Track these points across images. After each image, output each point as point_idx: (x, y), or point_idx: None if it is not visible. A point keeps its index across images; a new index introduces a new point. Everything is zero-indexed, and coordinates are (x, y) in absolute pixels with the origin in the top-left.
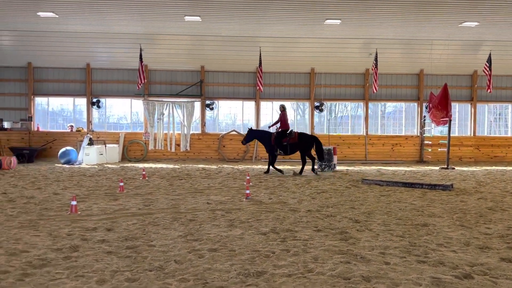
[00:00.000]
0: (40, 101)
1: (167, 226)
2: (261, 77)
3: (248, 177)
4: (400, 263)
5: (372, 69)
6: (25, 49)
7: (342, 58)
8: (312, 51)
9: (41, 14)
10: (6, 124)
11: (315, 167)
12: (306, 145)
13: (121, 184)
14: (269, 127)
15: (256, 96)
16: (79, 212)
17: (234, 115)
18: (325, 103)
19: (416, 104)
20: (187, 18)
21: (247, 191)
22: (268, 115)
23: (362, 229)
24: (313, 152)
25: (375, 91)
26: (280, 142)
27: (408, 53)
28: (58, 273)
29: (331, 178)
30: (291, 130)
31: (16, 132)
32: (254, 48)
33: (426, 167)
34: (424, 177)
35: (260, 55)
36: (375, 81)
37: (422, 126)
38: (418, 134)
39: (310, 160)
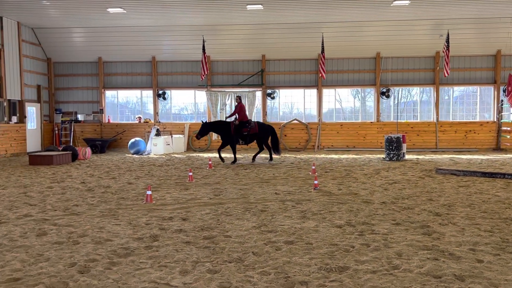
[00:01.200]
0: (109, 94)
1: (239, 216)
2: (323, 63)
3: (313, 167)
4: (494, 261)
5: (443, 52)
6: (95, 45)
7: (410, 41)
8: (377, 35)
9: (111, 10)
10: (80, 117)
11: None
12: (265, 135)
13: (190, 174)
14: (226, 118)
15: (318, 84)
16: (153, 202)
17: (291, 104)
18: (391, 89)
19: (492, 87)
20: (249, 7)
21: (315, 182)
22: (330, 102)
23: (444, 223)
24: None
25: (446, 75)
26: (241, 132)
27: (484, 32)
28: (142, 263)
29: (401, 167)
30: (250, 120)
31: (89, 124)
32: (316, 35)
33: (504, 155)
34: (503, 166)
35: (323, 41)
36: (447, 64)
37: (500, 111)
38: (495, 120)
39: (260, 150)
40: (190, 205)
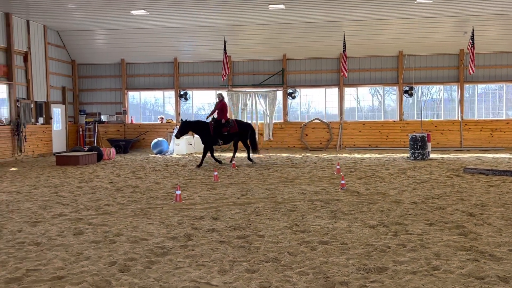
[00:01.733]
0: (132, 95)
1: (269, 216)
2: (345, 62)
3: (338, 167)
4: None
5: (468, 49)
6: (118, 46)
7: (434, 39)
8: (400, 33)
9: (134, 12)
10: (103, 118)
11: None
12: (245, 133)
13: (215, 173)
14: (207, 117)
15: (340, 83)
16: (183, 201)
17: (307, 103)
18: (414, 87)
19: None
20: (271, 6)
21: (342, 181)
22: (352, 101)
23: (480, 223)
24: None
25: (471, 72)
26: (221, 132)
27: (509, 29)
28: (180, 262)
29: (427, 167)
30: (229, 119)
31: (112, 124)
32: (337, 33)
33: None
34: None
35: (344, 39)
36: (472, 61)
37: None
38: None
39: (236, 150)
40: (219, 204)
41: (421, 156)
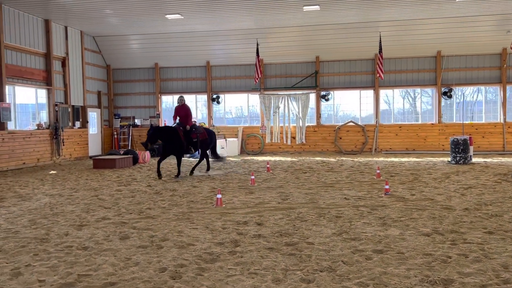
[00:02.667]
0: (165, 99)
1: (315, 222)
2: (381, 63)
3: (378, 171)
4: None
5: (511, 48)
6: (152, 51)
7: (474, 38)
8: (438, 33)
9: (169, 16)
10: (137, 121)
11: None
12: (213, 140)
13: (252, 177)
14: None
15: (375, 84)
16: (223, 205)
17: (336, 106)
18: (453, 88)
19: None
20: (306, 8)
21: (386, 186)
22: (382, 104)
23: None
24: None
25: None
26: (191, 138)
27: None
28: (230, 269)
29: (471, 171)
30: (195, 124)
31: (146, 128)
32: (372, 34)
33: None
34: None
35: (380, 40)
36: None
37: None
38: None
39: (203, 158)
40: (261, 209)
41: (463, 160)
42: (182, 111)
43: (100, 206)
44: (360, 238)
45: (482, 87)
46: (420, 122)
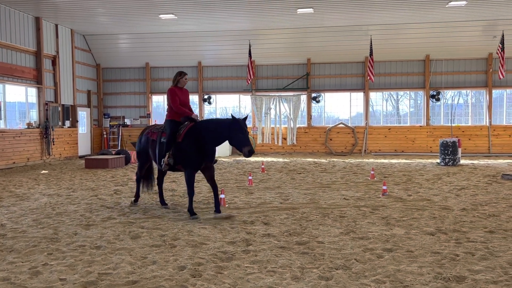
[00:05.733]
0: (156, 99)
1: (321, 222)
2: (372, 66)
3: (372, 172)
4: None
5: (498, 53)
6: (143, 50)
7: (461, 43)
8: (427, 37)
9: (163, 16)
10: (127, 121)
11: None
12: None
13: (250, 178)
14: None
15: (365, 87)
16: (226, 205)
17: (319, 107)
18: (441, 91)
19: None
20: (300, 10)
21: (384, 187)
22: (359, 106)
23: None
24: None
25: (502, 77)
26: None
27: None
28: (248, 267)
29: (461, 173)
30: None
31: (136, 128)
32: (363, 37)
33: None
34: None
35: (371, 44)
36: (502, 66)
37: None
38: None
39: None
40: (264, 209)
41: (452, 161)
42: (186, 97)
43: (102, 206)
44: (368, 237)
45: (469, 91)
46: (413, 124)
